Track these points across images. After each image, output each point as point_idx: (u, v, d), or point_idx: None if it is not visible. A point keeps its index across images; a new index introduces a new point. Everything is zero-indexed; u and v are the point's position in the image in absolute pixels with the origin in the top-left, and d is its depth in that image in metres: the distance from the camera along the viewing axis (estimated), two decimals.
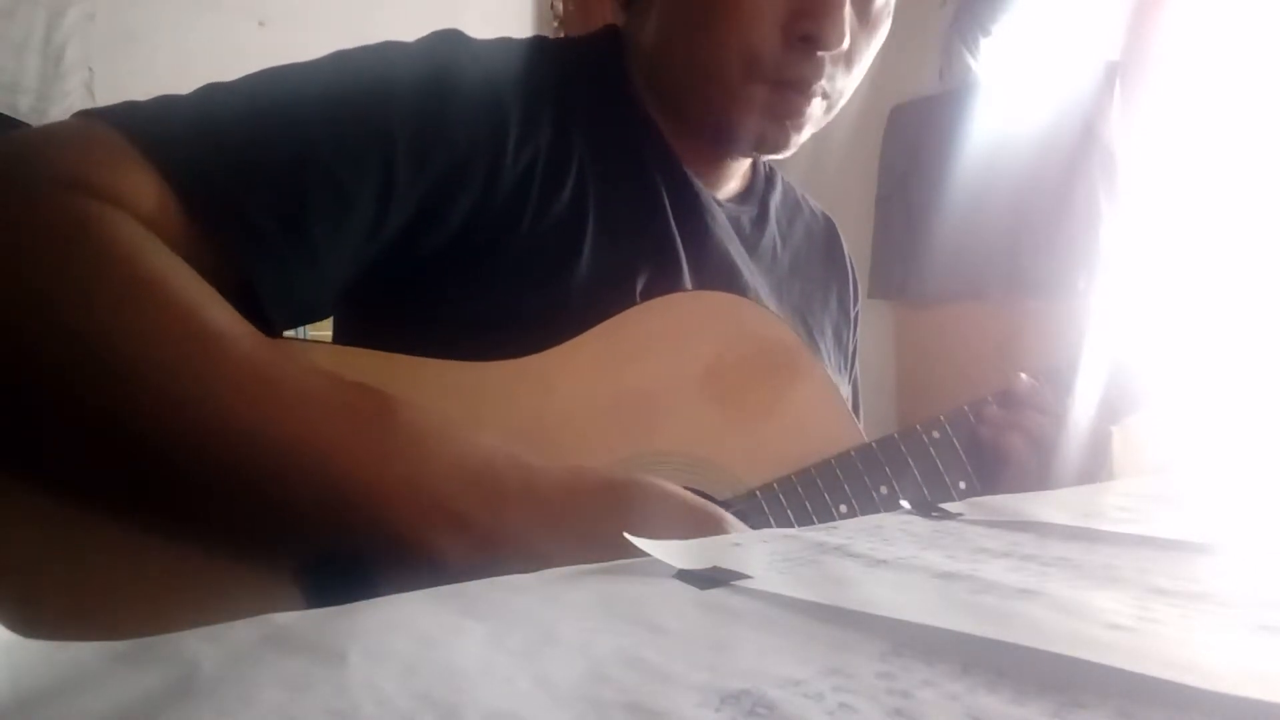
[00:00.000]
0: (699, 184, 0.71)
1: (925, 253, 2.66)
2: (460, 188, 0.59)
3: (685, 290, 0.66)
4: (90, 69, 2.24)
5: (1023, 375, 0.71)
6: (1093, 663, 0.21)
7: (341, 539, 0.45)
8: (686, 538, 0.47)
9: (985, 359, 0.74)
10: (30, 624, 0.42)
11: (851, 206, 2.65)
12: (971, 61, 2.65)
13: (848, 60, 0.66)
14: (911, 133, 2.80)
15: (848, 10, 0.63)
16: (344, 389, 0.47)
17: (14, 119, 2.08)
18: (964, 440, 0.69)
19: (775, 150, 0.69)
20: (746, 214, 0.77)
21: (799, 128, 0.68)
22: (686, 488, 0.59)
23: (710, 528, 0.49)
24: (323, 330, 0.69)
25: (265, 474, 0.44)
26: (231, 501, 0.45)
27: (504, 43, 0.66)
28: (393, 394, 0.47)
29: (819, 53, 0.63)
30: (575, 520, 0.47)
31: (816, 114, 0.68)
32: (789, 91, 0.65)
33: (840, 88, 0.68)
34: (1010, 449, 0.68)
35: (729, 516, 0.50)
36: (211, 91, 0.54)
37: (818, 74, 0.64)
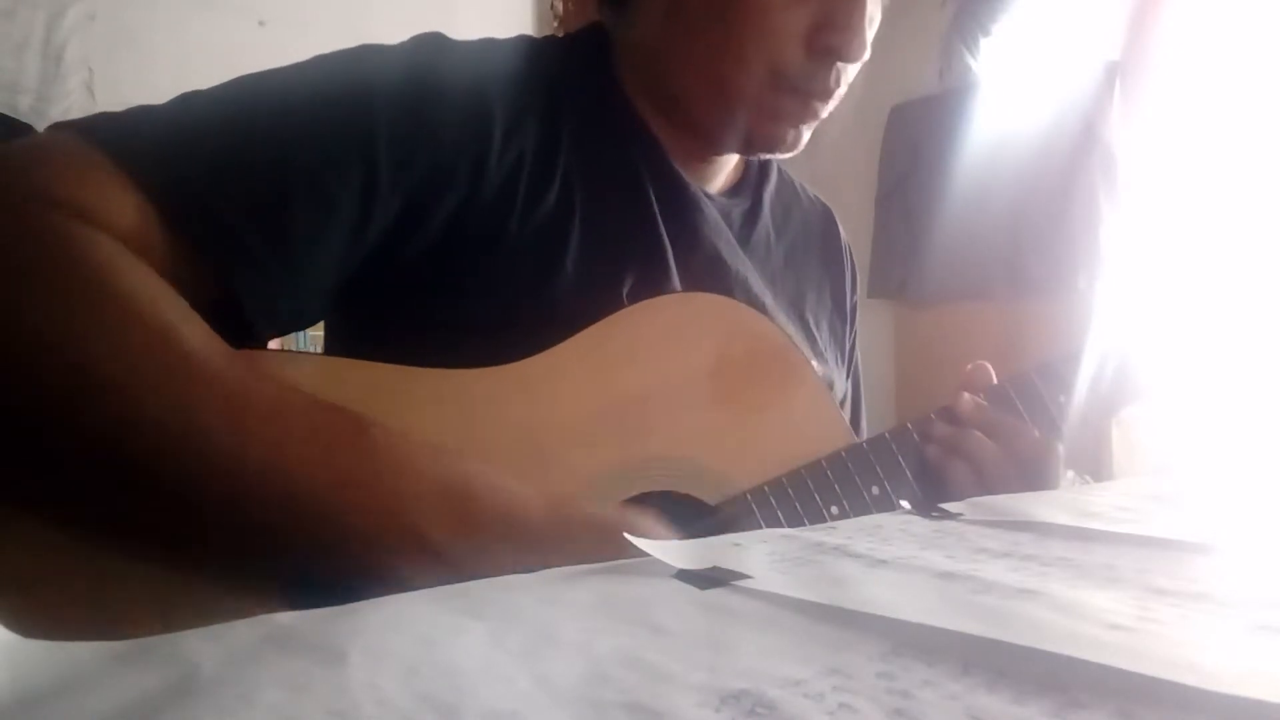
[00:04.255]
0: (688, 179, 0.71)
1: (925, 252, 2.67)
2: (444, 188, 0.58)
3: (675, 291, 0.66)
4: (90, 69, 2.24)
5: (965, 395, 0.69)
6: (1092, 663, 0.21)
7: (315, 561, 0.45)
8: None
9: (985, 359, 0.73)
10: (30, 624, 0.42)
11: (851, 206, 2.65)
12: (971, 61, 2.65)
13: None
14: (911, 133, 2.80)
15: (866, 19, 0.64)
16: (318, 410, 0.46)
17: (14, 119, 2.08)
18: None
19: (787, 150, 0.70)
20: (738, 207, 0.77)
21: (810, 127, 0.69)
22: (677, 494, 0.59)
23: None
24: (320, 330, 0.69)
25: (237, 494, 0.43)
26: (207, 519, 0.44)
27: (487, 43, 0.65)
28: (370, 416, 0.47)
29: (839, 62, 0.65)
30: (553, 556, 0.47)
31: (824, 113, 0.69)
32: (811, 99, 0.66)
33: (847, 87, 0.69)
34: (979, 453, 0.67)
35: None
36: (187, 100, 0.54)
37: (838, 81, 0.66)
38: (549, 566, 0.45)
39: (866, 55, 0.66)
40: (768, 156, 0.75)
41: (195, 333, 0.46)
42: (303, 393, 0.47)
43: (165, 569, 0.44)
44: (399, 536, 0.44)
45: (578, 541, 0.47)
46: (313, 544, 0.44)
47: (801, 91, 0.65)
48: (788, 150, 0.70)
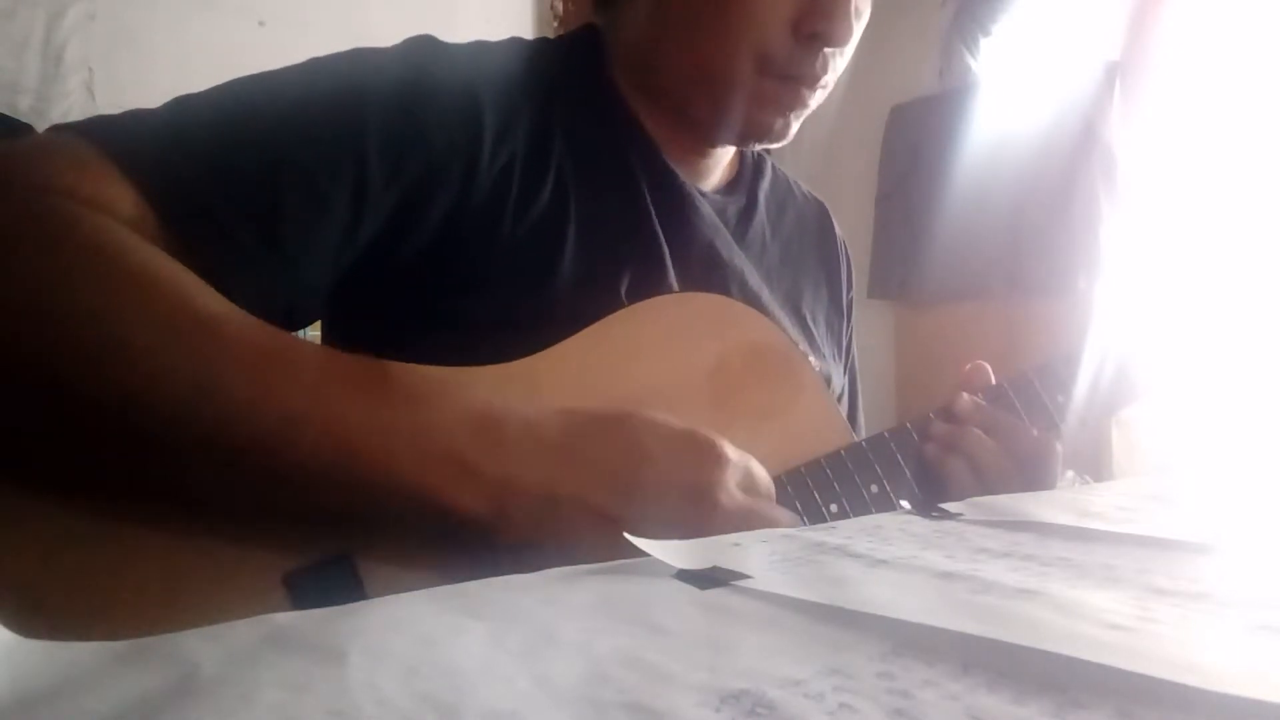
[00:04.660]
0: (682, 177, 0.71)
1: (925, 253, 2.66)
2: (437, 189, 0.59)
3: (671, 289, 0.66)
4: (90, 69, 2.24)
5: (964, 395, 0.69)
6: (1092, 663, 0.21)
7: (353, 504, 0.46)
8: (684, 462, 0.49)
9: (985, 359, 0.73)
10: (30, 624, 0.42)
11: (851, 206, 2.65)
12: (971, 61, 2.65)
13: (844, 49, 0.67)
14: (911, 133, 2.80)
15: (852, 6, 0.64)
16: (338, 357, 0.48)
17: (14, 119, 2.08)
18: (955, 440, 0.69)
19: (775, 140, 0.70)
20: (733, 205, 0.77)
21: (799, 116, 0.69)
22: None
23: (704, 451, 0.50)
24: (319, 330, 0.69)
25: (271, 446, 0.44)
26: (237, 480, 0.45)
27: (479, 45, 0.66)
28: (386, 361, 0.49)
29: (826, 48, 0.65)
30: (578, 453, 0.48)
31: (815, 103, 0.69)
32: (799, 86, 0.66)
33: (838, 75, 0.69)
34: (981, 454, 0.67)
35: (721, 444, 0.51)
36: (183, 102, 0.54)
37: (825, 68, 0.66)
38: (572, 469, 0.48)
39: (853, 41, 0.66)
40: (759, 146, 0.75)
41: (209, 297, 0.47)
42: (318, 345, 0.49)
43: (180, 545, 0.45)
44: (439, 463, 0.46)
45: (592, 439, 0.49)
46: (350, 487, 0.45)
47: (790, 78, 0.66)
48: (776, 139, 0.70)
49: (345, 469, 0.45)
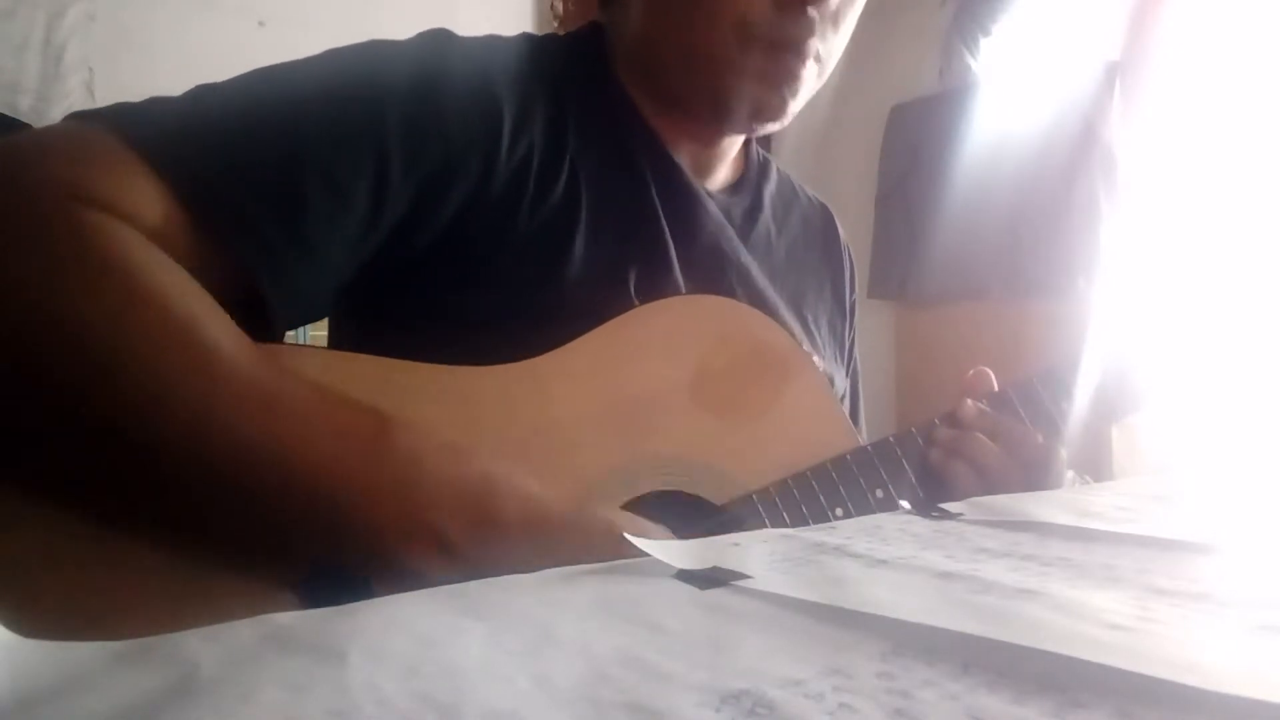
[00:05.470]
0: (688, 176, 0.71)
1: (925, 253, 2.66)
2: (455, 181, 0.59)
3: (678, 286, 0.66)
4: (90, 69, 2.24)
5: (969, 401, 0.69)
6: (1092, 663, 0.21)
7: (331, 552, 0.46)
8: None
9: (985, 360, 0.73)
10: (30, 624, 0.42)
11: (851, 206, 2.65)
12: (971, 61, 2.65)
13: (835, 19, 0.66)
14: (911, 133, 2.80)
15: None
16: (342, 407, 0.48)
17: (14, 119, 2.08)
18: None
19: (773, 119, 0.69)
20: (738, 205, 0.77)
21: (794, 93, 0.67)
22: (684, 494, 0.59)
23: None
24: (321, 330, 0.69)
25: (258, 488, 0.44)
26: (225, 510, 0.45)
27: (493, 39, 0.66)
28: (393, 415, 0.48)
29: (810, 10, 0.63)
30: (568, 559, 0.47)
31: (810, 78, 0.68)
32: (784, 54, 0.65)
33: (830, 48, 0.68)
34: (982, 455, 0.67)
35: None
36: (203, 93, 0.54)
37: (810, 31, 0.65)
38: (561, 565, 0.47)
39: (847, 16, 0.65)
40: (759, 129, 0.73)
41: (219, 327, 0.47)
42: (325, 390, 0.48)
43: (176, 558, 0.45)
44: (413, 532, 0.45)
45: (595, 547, 0.47)
46: (329, 535, 0.45)
47: (774, 45, 0.64)
48: (774, 118, 0.68)
49: (324, 523, 0.45)
